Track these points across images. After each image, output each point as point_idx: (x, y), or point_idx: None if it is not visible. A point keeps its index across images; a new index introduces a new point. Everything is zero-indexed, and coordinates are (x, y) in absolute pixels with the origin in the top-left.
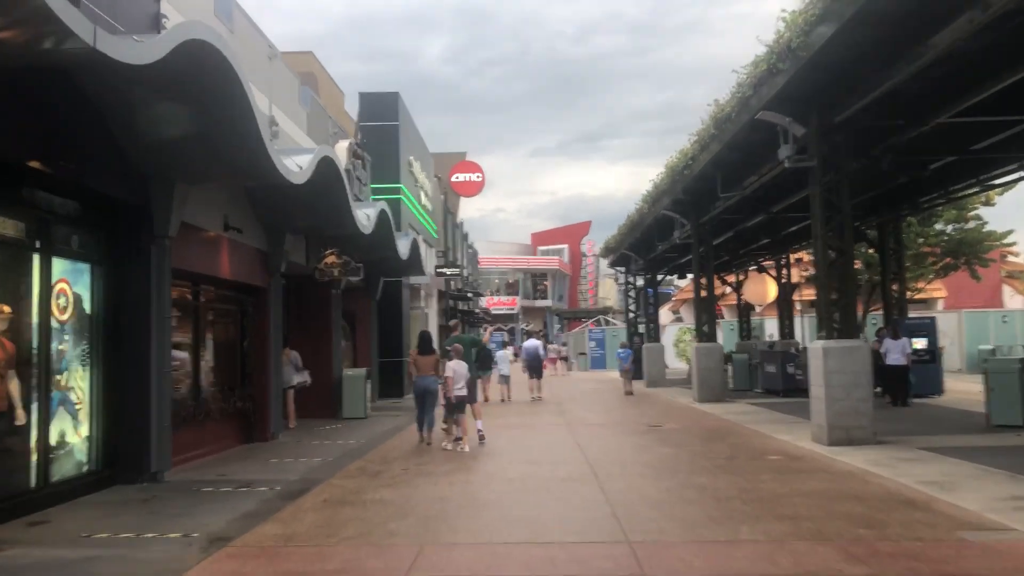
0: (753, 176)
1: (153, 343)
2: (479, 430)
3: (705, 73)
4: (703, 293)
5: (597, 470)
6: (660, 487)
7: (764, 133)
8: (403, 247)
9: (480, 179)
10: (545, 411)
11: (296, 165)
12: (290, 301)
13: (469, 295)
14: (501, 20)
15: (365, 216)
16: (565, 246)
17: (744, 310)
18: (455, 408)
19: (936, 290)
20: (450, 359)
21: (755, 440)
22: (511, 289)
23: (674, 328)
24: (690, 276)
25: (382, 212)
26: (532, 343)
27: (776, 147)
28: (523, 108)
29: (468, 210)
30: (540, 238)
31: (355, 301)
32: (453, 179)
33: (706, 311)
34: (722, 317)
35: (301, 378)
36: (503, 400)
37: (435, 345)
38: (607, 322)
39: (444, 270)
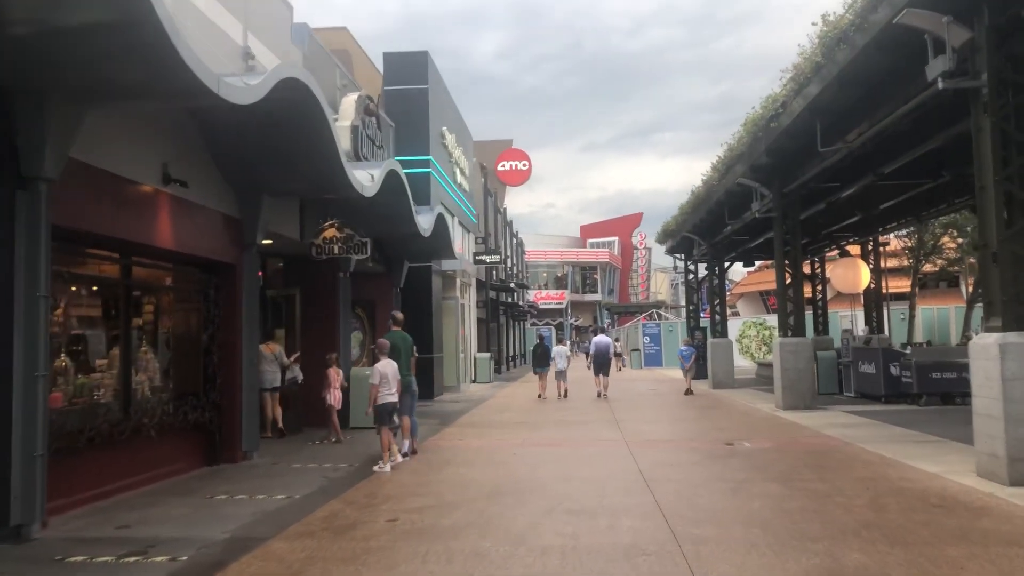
0: (863, 123)
1: (18, 334)
2: (404, 453)
3: (761, 65)
4: (788, 277)
5: (679, 529)
6: (792, 574)
7: (893, 54)
8: (425, 221)
9: (527, 167)
10: (597, 421)
11: (244, 84)
12: (288, 287)
13: (512, 286)
14: (554, 15)
15: (368, 176)
16: (616, 239)
17: (819, 302)
18: (386, 416)
19: None
20: (376, 360)
21: (890, 472)
22: (559, 283)
23: (735, 323)
24: (758, 263)
25: (391, 173)
26: (603, 339)
27: (909, 72)
28: (576, 103)
29: (518, 205)
30: (590, 230)
31: (374, 288)
32: (499, 167)
33: (793, 300)
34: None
35: (291, 374)
36: (560, 396)
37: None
38: (660, 316)
39: (484, 257)
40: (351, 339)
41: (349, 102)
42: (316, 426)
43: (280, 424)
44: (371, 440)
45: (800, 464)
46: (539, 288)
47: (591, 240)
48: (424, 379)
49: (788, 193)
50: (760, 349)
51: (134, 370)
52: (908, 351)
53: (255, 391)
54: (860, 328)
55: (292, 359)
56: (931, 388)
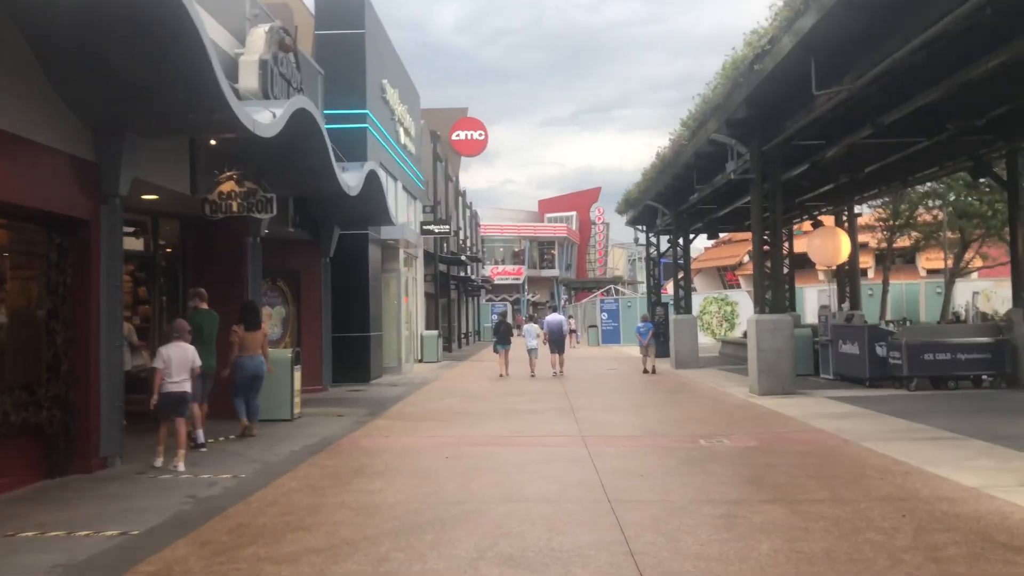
0: (866, 60)
1: None
2: (198, 442)
3: (719, 42)
4: (765, 247)
5: None
6: None
7: None
8: (352, 179)
9: (483, 137)
10: (550, 409)
11: None
12: (186, 252)
13: (463, 258)
14: None
15: (269, 115)
16: (573, 213)
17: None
18: (170, 409)
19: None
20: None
21: (919, 487)
22: (516, 258)
23: (695, 299)
24: (714, 240)
25: (300, 112)
26: (556, 317)
27: None
28: (535, 78)
29: (476, 180)
30: (548, 205)
31: (299, 257)
32: (453, 137)
33: (772, 272)
34: (738, 286)
35: (137, 360)
36: (531, 375)
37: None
38: (618, 292)
39: (432, 227)
40: (273, 315)
41: (258, 34)
42: (218, 417)
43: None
44: (288, 434)
45: (800, 473)
46: (496, 263)
47: (549, 215)
48: (358, 361)
49: (768, 151)
50: (721, 326)
51: None
52: (891, 329)
53: (119, 380)
54: (837, 305)
55: (142, 343)
56: (923, 371)
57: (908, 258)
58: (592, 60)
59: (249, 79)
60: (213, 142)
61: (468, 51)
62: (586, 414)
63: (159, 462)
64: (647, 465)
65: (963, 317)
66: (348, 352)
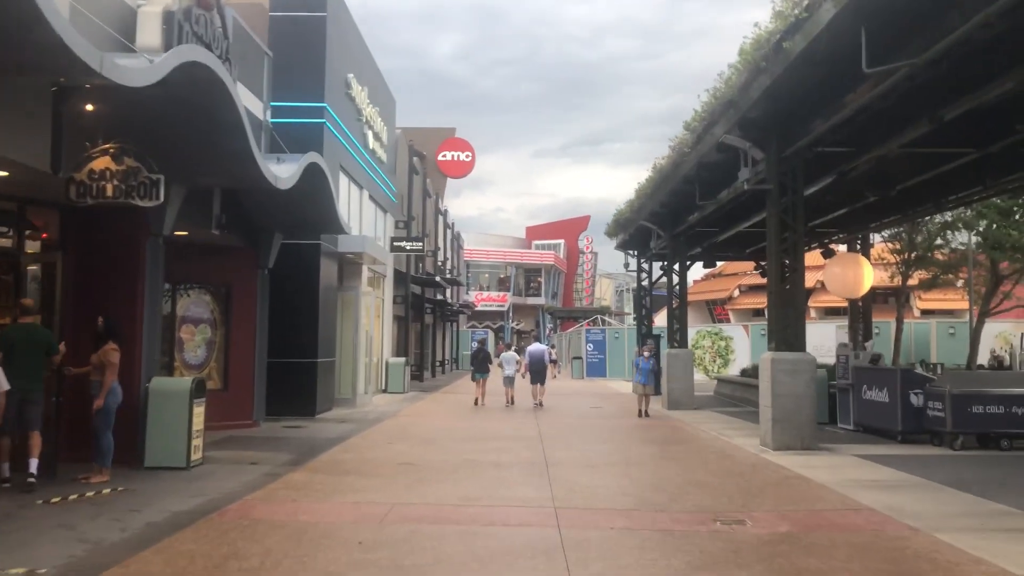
0: (935, 28)
1: None
2: (6, 478)
3: (712, 80)
4: (785, 272)
5: None
6: None
7: None
8: (284, 170)
9: (470, 159)
10: (519, 463)
11: None
12: (66, 252)
13: (438, 280)
14: (513, 19)
15: (145, 60)
16: (561, 242)
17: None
18: None
19: (953, 300)
20: None
21: None
22: (502, 285)
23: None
24: (705, 271)
25: (195, 66)
26: (538, 347)
27: None
28: (529, 109)
29: (467, 207)
30: (535, 232)
31: (230, 267)
32: (440, 157)
33: (791, 301)
34: (727, 320)
35: None
36: (508, 403)
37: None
38: (604, 322)
39: (403, 243)
40: (196, 335)
41: None
42: (77, 461)
43: None
44: (171, 490)
45: None
46: (480, 289)
47: (536, 242)
48: (302, 391)
49: (789, 157)
50: (715, 361)
51: None
52: (929, 375)
53: None
54: (867, 343)
55: None
56: (970, 426)
57: (905, 296)
58: (586, 93)
59: (149, 35)
60: (90, 107)
61: (465, 80)
62: (563, 471)
63: None
64: (645, 567)
65: (1007, 362)
66: (290, 381)
